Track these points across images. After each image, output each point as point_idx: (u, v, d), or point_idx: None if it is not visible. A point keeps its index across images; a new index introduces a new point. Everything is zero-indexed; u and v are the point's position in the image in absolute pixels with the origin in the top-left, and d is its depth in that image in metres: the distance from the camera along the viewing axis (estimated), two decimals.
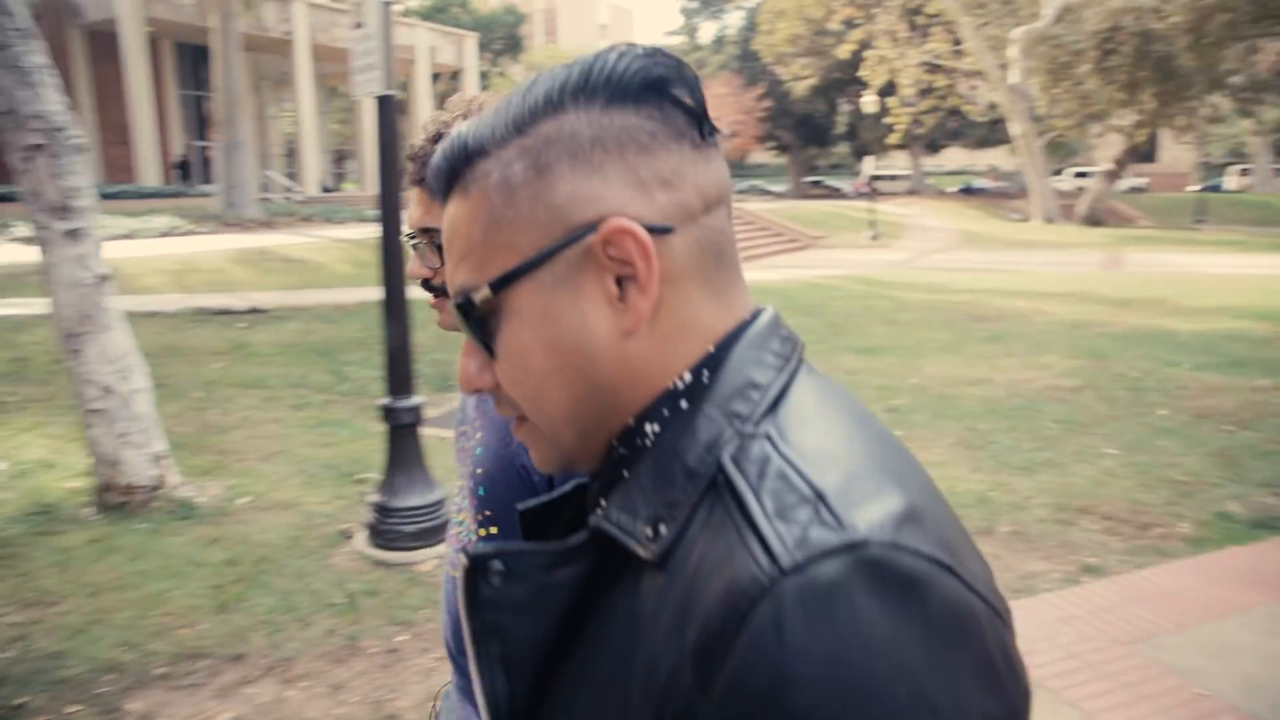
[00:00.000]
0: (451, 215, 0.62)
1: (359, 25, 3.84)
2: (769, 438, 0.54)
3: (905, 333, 10.48)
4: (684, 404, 0.58)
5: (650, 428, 0.59)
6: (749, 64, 45.56)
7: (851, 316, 11.64)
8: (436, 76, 32.87)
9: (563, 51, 50.13)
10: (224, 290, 10.51)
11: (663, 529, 0.54)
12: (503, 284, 0.59)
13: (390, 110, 3.79)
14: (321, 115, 30.11)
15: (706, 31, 54.62)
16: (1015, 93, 28.84)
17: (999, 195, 40.43)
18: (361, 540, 4.27)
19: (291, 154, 34.24)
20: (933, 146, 47.15)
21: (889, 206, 32.66)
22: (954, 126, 42.37)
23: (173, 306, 9.17)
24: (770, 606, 0.45)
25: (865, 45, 34.69)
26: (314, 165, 28.22)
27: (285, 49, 27.00)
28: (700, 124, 0.61)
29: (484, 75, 42.51)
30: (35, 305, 8.53)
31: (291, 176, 30.16)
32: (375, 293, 9.67)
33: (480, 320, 0.61)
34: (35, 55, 4.33)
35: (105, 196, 14.74)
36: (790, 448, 0.53)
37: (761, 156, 58.55)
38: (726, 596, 0.47)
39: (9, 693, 3.10)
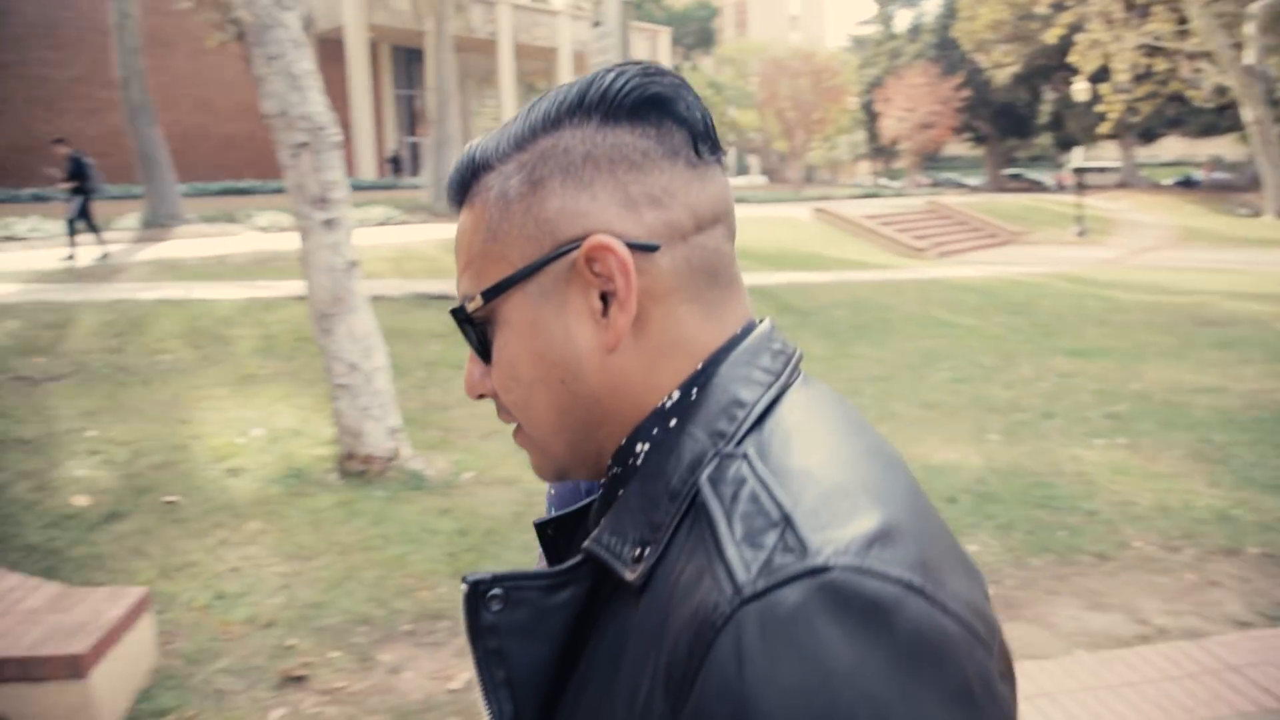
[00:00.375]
0: (460, 225, 0.64)
1: (597, 24, 4.00)
2: (747, 457, 0.53)
3: (1122, 335, 9.83)
4: (673, 423, 0.59)
5: (641, 446, 0.60)
6: (947, 52, 43.81)
7: (1062, 317, 11.02)
8: None
9: (754, 44, 49.84)
10: (438, 277, 11.18)
11: (647, 551, 0.54)
12: (493, 294, 0.61)
13: None
14: None
15: (902, 20, 52.75)
16: (1250, 74, 26.29)
17: (1223, 188, 37.04)
18: None
19: None
20: (1147, 136, 43.76)
21: (1097, 200, 30.60)
22: (1173, 114, 39.13)
23: (395, 291, 9.85)
24: (732, 634, 0.45)
25: (1076, 28, 32.55)
26: None
27: (489, 49, 28.30)
28: (696, 143, 0.61)
29: (676, 69, 42.90)
30: (277, 288, 9.39)
31: None
32: None
33: (476, 328, 0.63)
34: (304, 62, 4.77)
35: None
36: (767, 467, 0.52)
37: (956, 148, 56.14)
38: (693, 622, 0.47)
39: (280, 634, 3.46)
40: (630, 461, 0.60)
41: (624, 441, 0.61)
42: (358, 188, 22.24)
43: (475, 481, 5.06)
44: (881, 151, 51.56)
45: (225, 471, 5.10)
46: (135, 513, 4.51)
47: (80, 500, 4.57)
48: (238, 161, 23.95)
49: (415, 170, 27.75)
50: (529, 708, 0.60)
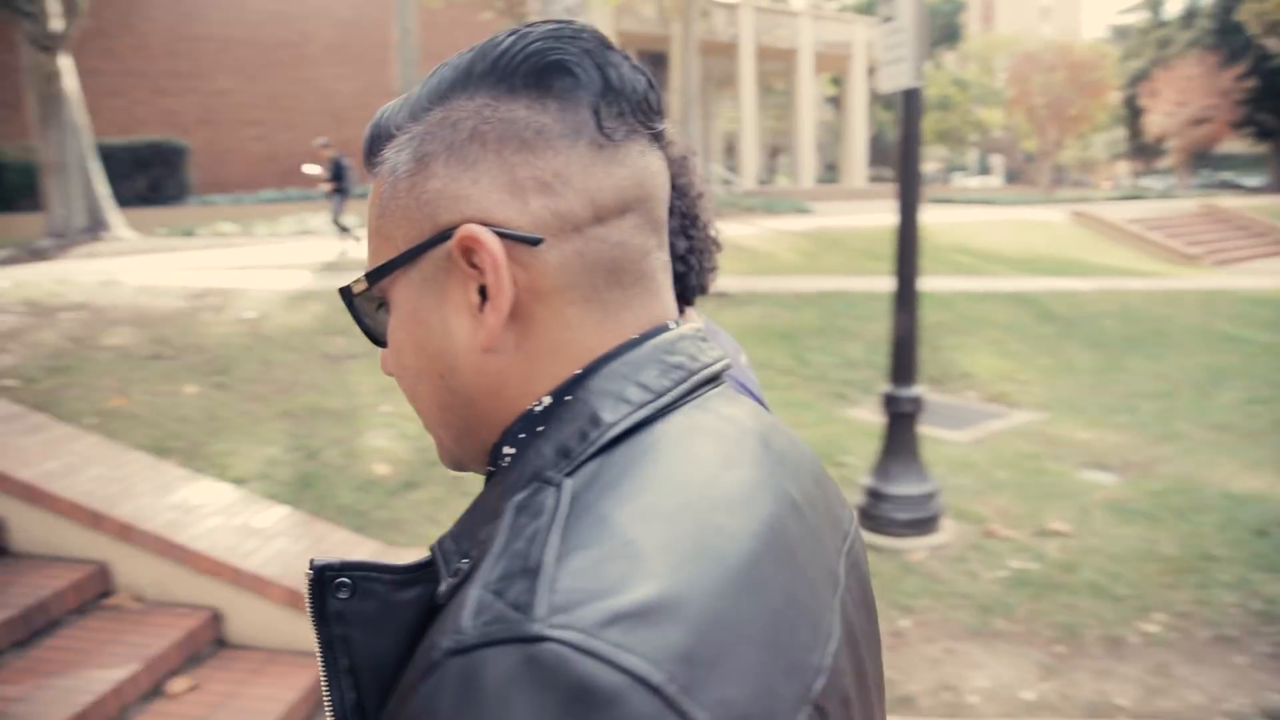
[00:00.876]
0: (369, 195, 0.60)
1: (888, 19, 3.94)
2: (560, 488, 0.48)
3: None
4: (539, 429, 0.53)
5: (507, 450, 0.55)
6: (1228, 39, 39.61)
7: None
8: (873, 70, 32.74)
9: (1001, 38, 47.25)
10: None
11: (466, 566, 0.50)
12: (376, 276, 0.57)
13: (916, 102, 3.83)
14: (759, 112, 31.41)
15: (1173, 5, 48.36)
16: None
17: None
18: None
19: (730, 149, 36.19)
20: None
21: None
22: None
23: None
24: (432, 686, 0.41)
25: None
26: (751, 160, 29.61)
27: (730, 52, 28.55)
28: (601, 119, 0.54)
29: None
30: None
31: (730, 170, 31.91)
32: (829, 282, 9.89)
33: (364, 307, 0.60)
34: None
35: None
36: (574, 505, 0.46)
37: (1232, 145, 50.61)
38: (417, 660, 0.43)
39: None
40: (500, 463, 0.56)
41: (496, 440, 0.57)
42: None
43: None
44: (1143, 150, 47.43)
45: None
46: (427, 483, 4.92)
47: (381, 468, 5.03)
48: None
49: None
50: (372, 698, 0.57)
